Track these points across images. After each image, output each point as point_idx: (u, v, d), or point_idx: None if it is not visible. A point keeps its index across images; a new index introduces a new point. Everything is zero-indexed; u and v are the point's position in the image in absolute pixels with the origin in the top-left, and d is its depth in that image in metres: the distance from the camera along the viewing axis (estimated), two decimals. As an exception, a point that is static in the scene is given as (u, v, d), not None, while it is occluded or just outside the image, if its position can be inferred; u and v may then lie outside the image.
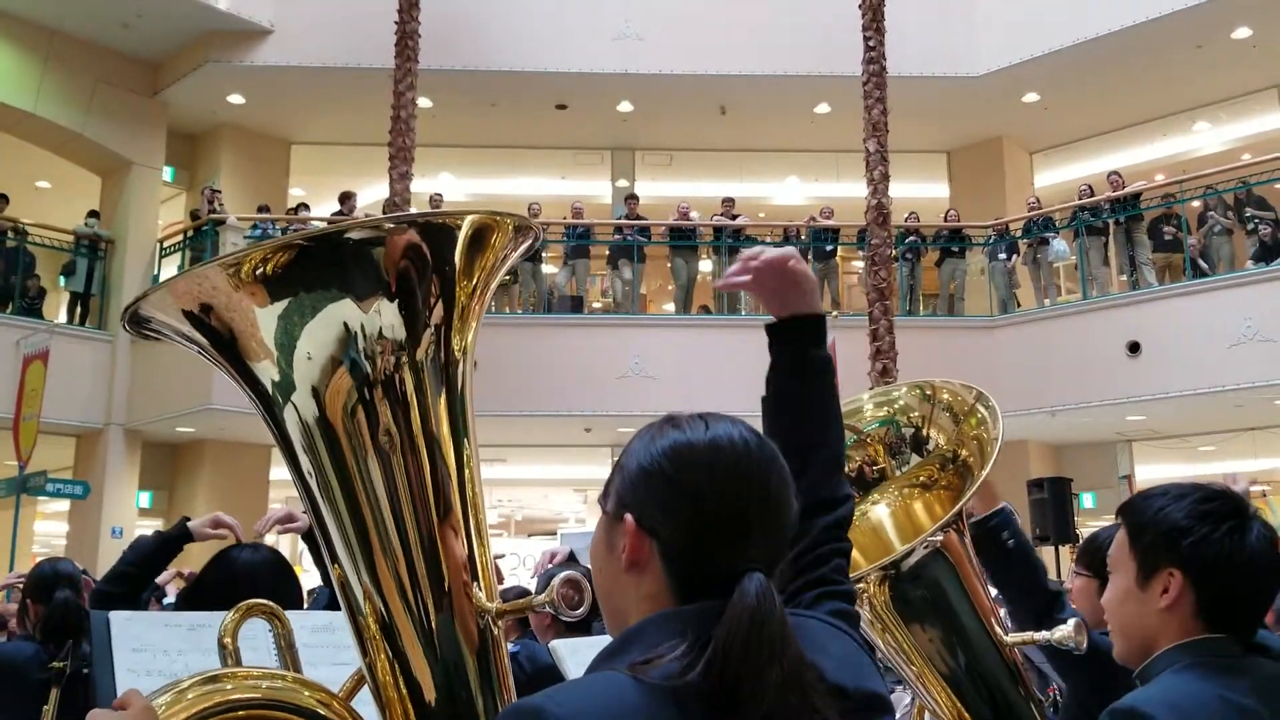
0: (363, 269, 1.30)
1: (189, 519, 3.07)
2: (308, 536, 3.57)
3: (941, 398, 2.37)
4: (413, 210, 12.21)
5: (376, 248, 1.30)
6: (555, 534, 15.55)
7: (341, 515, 1.37)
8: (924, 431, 2.37)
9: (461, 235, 1.34)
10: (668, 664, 1.03)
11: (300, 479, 1.39)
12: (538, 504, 19.19)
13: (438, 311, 1.36)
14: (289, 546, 10.73)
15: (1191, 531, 1.59)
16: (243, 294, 1.28)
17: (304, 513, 3.51)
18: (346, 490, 1.36)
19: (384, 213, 12.06)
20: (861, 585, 2.19)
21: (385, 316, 1.32)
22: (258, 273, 1.27)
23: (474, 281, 1.38)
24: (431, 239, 1.32)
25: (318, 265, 1.29)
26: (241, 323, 1.30)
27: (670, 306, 14.35)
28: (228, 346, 1.32)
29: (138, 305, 1.31)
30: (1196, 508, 1.61)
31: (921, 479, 2.36)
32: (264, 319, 1.29)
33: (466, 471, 1.41)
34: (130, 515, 14.02)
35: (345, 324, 1.31)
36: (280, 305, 1.29)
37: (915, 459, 2.38)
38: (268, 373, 1.33)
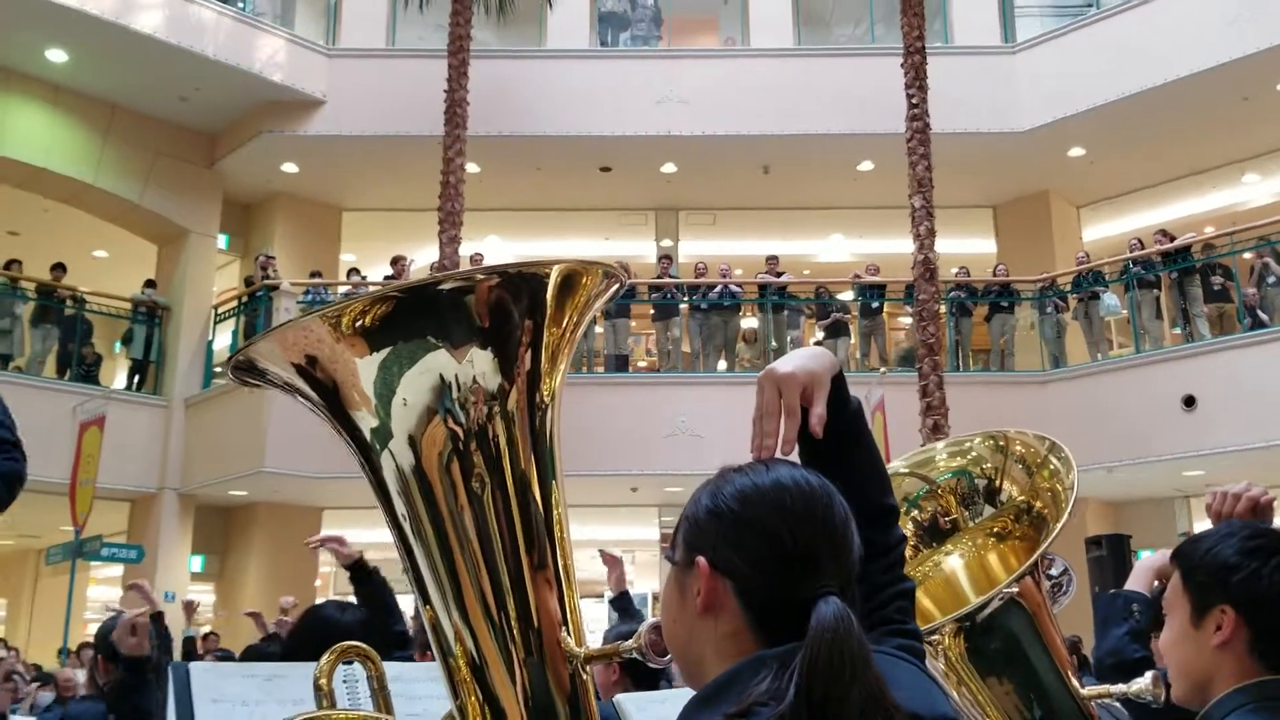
0: (456, 319, 1.34)
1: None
2: (354, 571, 3.61)
3: (1015, 449, 2.36)
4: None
5: (469, 298, 1.34)
6: (602, 596, 15.44)
7: (434, 558, 1.40)
8: (997, 483, 2.36)
9: (551, 283, 1.39)
10: (764, 709, 1.03)
11: (394, 523, 1.42)
12: (585, 565, 19.06)
13: (528, 358, 1.39)
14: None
15: (1240, 568, 1.60)
16: (344, 344, 1.33)
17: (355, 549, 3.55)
18: (439, 534, 1.39)
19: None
20: (936, 638, 2.17)
21: (478, 364, 1.36)
22: (358, 324, 1.32)
23: (563, 326, 1.42)
24: (522, 289, 1.37)
25: (414, 316, 1.34)
26: (343, 372, 1.34)
27: (723, 364, 14.33)
28: (330, 395, 1.37)
29: (247, 352, 1.36)
30: (1244, 544, 1.62)
31: (995, 530, 2.34)
32: (364, 368, 1.34)
33: (555, 515, 1.44)
34: (183, 579, 14.12)
35: (440, 373, 1.35)
36: (379, 355, 1.33)
37: (988, 510, 2.36)
38: (366, 420, 1.37)
